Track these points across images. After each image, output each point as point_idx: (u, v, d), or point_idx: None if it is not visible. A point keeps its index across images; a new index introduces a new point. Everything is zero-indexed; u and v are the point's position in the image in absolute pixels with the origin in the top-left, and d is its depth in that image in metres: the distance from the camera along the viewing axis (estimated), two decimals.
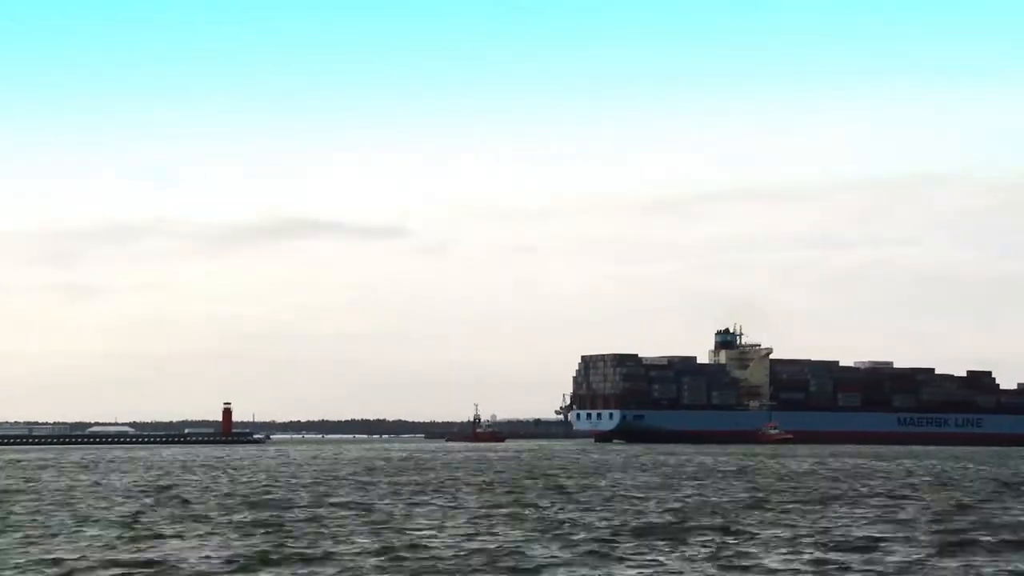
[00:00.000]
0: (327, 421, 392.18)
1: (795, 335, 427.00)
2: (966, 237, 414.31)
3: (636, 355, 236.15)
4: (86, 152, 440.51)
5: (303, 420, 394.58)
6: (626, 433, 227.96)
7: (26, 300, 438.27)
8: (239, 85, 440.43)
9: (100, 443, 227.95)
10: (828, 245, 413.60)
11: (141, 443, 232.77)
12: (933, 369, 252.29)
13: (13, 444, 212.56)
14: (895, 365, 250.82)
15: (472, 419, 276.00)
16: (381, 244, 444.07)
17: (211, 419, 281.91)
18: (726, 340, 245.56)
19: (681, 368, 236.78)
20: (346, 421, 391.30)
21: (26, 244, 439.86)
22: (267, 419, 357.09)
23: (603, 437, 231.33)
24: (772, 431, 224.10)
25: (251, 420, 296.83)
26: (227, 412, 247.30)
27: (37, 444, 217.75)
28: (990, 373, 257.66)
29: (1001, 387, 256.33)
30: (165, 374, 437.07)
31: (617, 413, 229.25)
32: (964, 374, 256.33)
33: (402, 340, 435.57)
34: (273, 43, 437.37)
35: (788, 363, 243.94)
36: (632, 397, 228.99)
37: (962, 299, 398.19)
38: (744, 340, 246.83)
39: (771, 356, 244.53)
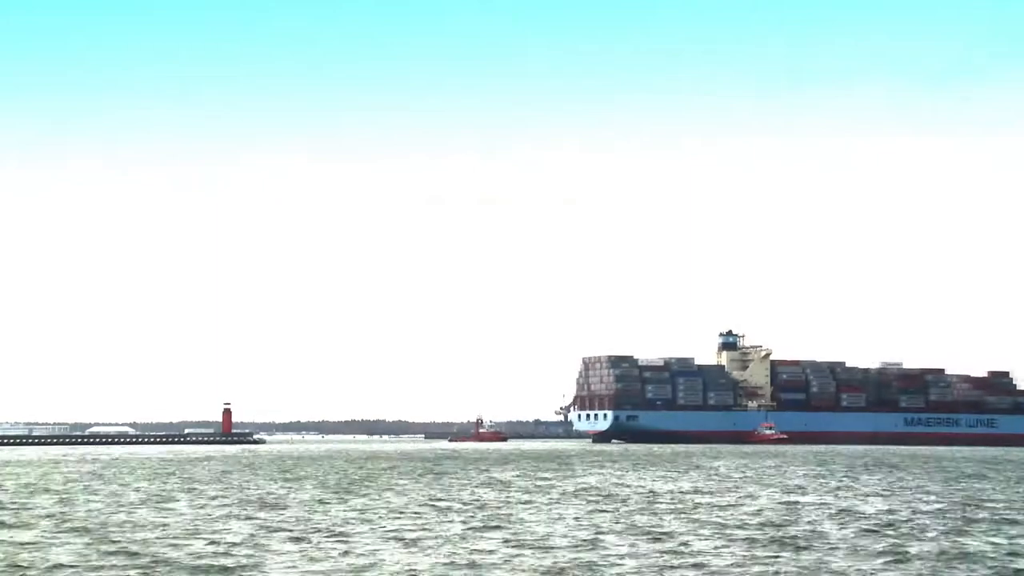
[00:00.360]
0: (327, 421, 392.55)
1: (805, 337, 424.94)
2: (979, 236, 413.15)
3: (631, 356, 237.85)
4: (71, 146, 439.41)
5: (303, 420, 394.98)
6: (619, 433, 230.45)
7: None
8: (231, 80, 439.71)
9: (100, 443, 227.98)
10: (840, 245, 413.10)
11: (141, 443, 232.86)
12: (943, 370, 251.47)
13: (12, 444, 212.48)
14: (904, 366, 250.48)
15: (475, 420, 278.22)
16: (381, 244, 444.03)
17: (211, 419, 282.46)
18: (728, 342, 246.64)
19: (678, 369, 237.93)
20: (346, 421, 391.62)
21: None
22: (267, 420, 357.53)
23: (600, 437, 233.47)
24: (767, 431, 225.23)
25: (251, 420, 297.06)
26: (227, 412, 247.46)
27: (37, 444, 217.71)
28: (1008, 373, 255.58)
29: (1019, 388, 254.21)
30: (165, 375, 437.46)
31: (611, 413, 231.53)
32: (985, 374, 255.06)
33: (401, 340, 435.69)
34: (240, 37, 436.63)
35: (788, 364, 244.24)
36: (625, 398, 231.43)
37: (977, 300, 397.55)
38: (747, 342, 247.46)
39: (772, 357, 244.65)
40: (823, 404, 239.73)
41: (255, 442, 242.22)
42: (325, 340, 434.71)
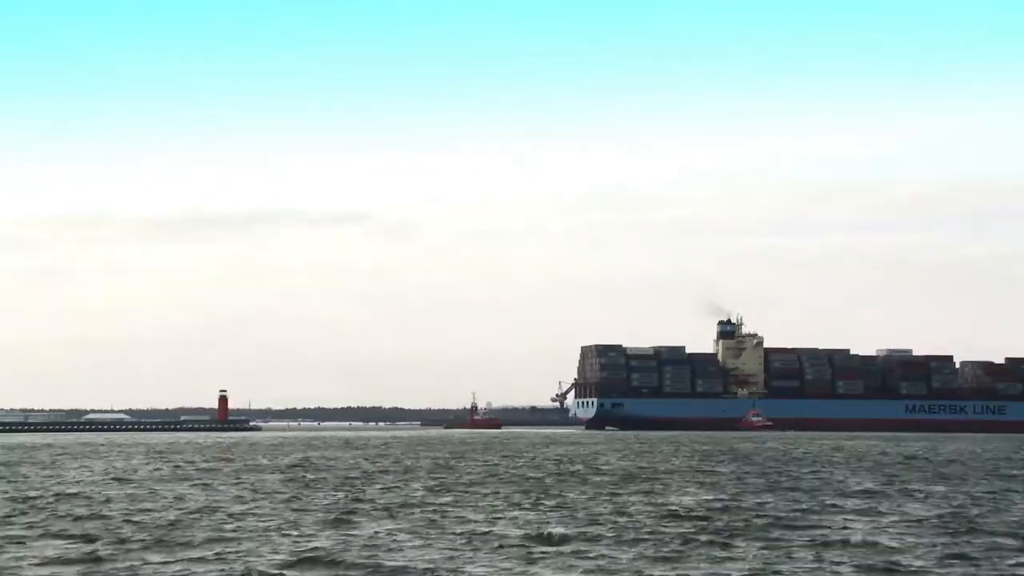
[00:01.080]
0: (323, 408, 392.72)
1: (812, 326, 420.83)
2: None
3: (620, 345, 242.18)
4: (71, 146, 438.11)
5: (299, 407, 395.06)
6: (606, 420, 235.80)
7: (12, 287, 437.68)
8: (206, 76, 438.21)
9: (96, 430, 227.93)
10: (854, 233, 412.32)
11: (137, 430, 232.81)
12: (951, 356, 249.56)
13: (8, 431, 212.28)
14: (914, 353, 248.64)
15: (470, 406, 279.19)
16: (382, 235, 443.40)
17: (207, 406, 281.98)
18: (726, 330, 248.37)
19: (668, 357, 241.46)
20: (342, 408, 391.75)
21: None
22: (263, 406, 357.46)
23: (592, 423, 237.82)
24: (754, 418, 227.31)
25: (247, 407, 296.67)
26: (223, 399, 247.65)
27: (32, 431, 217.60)
28: None
29: None
30: (161, 361, 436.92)
31: (596, 401, 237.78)
32: (1002, 361, 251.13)
33: (398, 327, 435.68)
34: (236, 36, 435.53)
35: (782, 351, 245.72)
36: (611, 385, 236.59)
37: (994, 287, 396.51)
38: (745, 330, 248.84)
39: (768, 345, 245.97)
40: (818, 391, 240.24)
41: (251, 429, 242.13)
42: (320, 326, 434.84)
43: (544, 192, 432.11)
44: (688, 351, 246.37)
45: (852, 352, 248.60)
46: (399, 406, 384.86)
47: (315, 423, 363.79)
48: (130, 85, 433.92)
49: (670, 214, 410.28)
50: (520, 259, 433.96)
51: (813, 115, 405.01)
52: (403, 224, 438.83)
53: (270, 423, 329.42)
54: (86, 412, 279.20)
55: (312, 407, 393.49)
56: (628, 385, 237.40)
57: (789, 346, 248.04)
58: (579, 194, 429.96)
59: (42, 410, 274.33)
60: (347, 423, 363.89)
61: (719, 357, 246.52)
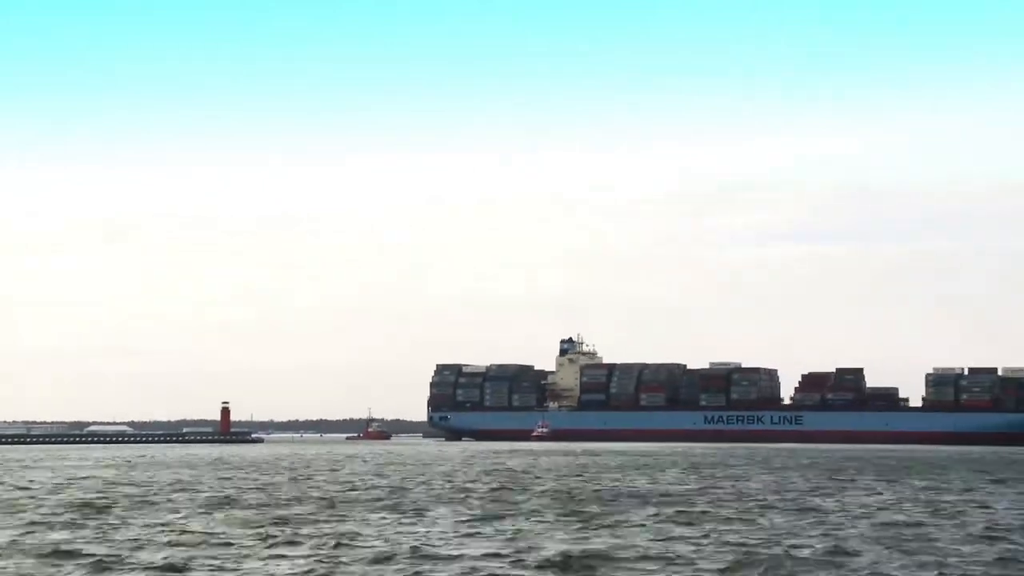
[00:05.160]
0: (326, 420, 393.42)
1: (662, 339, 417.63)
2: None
3: (456, 364, 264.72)
4: (71, 146, 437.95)
5: (301, 419, 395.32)
6: (437, 431, 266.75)
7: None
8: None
9: (98, 442, 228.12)
10: (714, 246, 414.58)
11: (139, 442, 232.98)
12: (760, 368, 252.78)
13: (10, 443, 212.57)
14: (744, 365, 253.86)
15: (367, 419, 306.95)
16: (382, 236, 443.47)
17: (209, 418, 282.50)
18: (564, 348, 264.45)
19: (493, 375, 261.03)
20: (344, 420, 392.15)
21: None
22: (266, 418, 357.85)
23: (449, 436, 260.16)
24: (540, 430, 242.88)
25: (250, 419, 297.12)
26: (225, 411, 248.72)
27: (35, 443, 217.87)
28: (861, 370, 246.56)
29: (868, 386, 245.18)
30: (163, 373, 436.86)
31: (427, 414, 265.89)
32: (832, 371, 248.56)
33: (399, 334, 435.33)
34: (236, 36, 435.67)
35: (595, 367, 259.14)
36: (440, 401, 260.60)
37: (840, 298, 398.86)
38: (584, 348, 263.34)
39: (586, 361, 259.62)
40: (623, 404, 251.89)
41: (254, 441, 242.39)
42: (323, 337, 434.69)
43: (544, 192, 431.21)
44: (527, 368, 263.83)
45: (689, 366, 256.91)
46: (401, 418, 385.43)
47: (318, 435, 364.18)
48: (130, 85, 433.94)
49: (660, 219, 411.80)
50: (517, 260, 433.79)
51: (813, 115, 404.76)
52: (403, 224, 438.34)
53: (272, 435, 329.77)
54: (88, 424, 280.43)
55: (315, 419, 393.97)
56: (454, 400, 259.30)
57: (619, 361, 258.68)
58: (579, 194, 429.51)
59: (44, 422, 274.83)
60: (346, 435, 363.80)
61: (548, 372, 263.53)
